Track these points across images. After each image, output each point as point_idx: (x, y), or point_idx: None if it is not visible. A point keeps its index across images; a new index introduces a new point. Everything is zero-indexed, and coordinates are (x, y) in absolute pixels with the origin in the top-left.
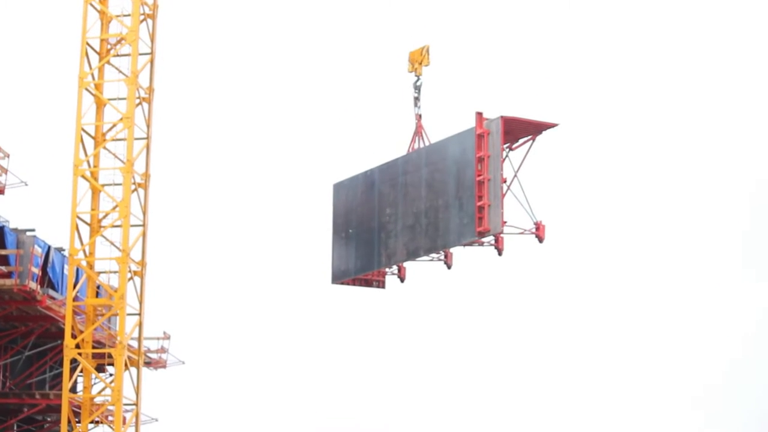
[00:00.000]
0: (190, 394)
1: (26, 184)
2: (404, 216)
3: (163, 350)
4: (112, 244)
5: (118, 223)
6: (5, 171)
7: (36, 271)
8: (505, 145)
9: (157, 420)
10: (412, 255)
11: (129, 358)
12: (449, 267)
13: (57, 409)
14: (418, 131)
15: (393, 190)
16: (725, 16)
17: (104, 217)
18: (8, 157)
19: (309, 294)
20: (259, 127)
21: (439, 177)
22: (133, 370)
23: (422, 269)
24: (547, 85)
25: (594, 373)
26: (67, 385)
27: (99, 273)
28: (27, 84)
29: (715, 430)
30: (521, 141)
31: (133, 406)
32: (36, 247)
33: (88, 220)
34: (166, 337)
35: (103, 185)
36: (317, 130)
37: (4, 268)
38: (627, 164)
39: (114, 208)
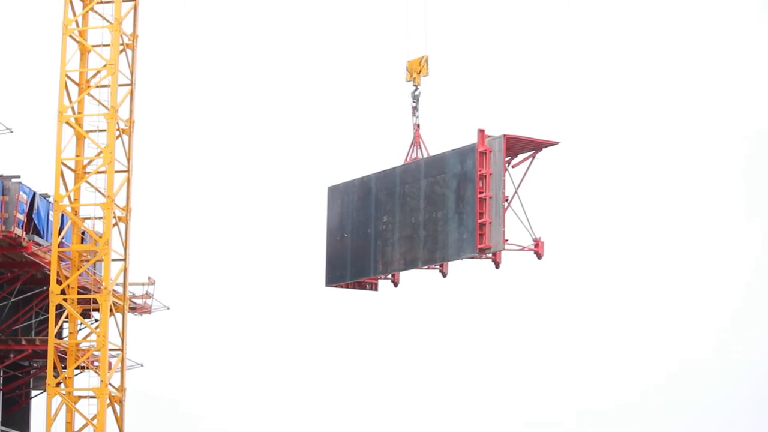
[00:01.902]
0: (175, 339)
1: (11, 131)
2: (402, 226)
3: (148, 296)
4: (97, 190)
5: (102, 169)
6: None
7: (21, 217)
8: (506, 158)
9: (142, 365)
10: (410, 265)
11: (114, 303)
12: (444, 275)
13: (43, 355)
14: (416, 141)
15: (390, 199)
16: (727, 37)
17: (89, 163)
18: None
19: (301, 293)
20: (255, 127)
21: (438, 190)
22: (119, 315)
23: (417, 276)
24: (545, 100)
25: (586, 383)
26: (52, 330)
27: (84, 219)
28: (11, 31)
29: None
30: (521, 157)
31: (119, 352)
32: (21, 193)
33: (73, 167)
34: (151, 282)
35: (88, 131)
36: (315, 135)
37: None
38: (626, 181)
39: (98, 154)
